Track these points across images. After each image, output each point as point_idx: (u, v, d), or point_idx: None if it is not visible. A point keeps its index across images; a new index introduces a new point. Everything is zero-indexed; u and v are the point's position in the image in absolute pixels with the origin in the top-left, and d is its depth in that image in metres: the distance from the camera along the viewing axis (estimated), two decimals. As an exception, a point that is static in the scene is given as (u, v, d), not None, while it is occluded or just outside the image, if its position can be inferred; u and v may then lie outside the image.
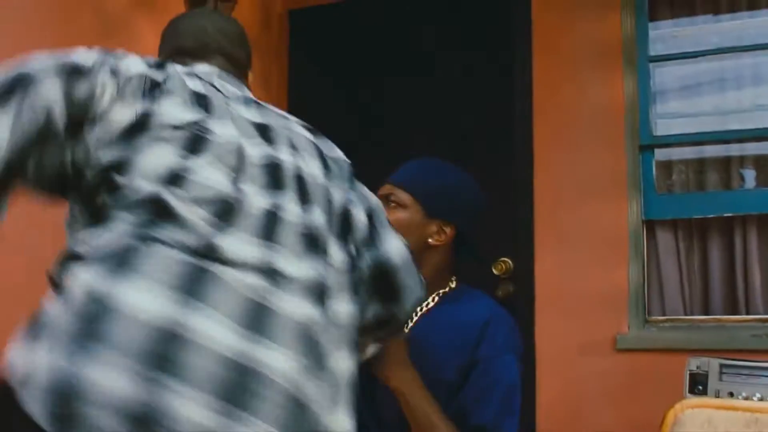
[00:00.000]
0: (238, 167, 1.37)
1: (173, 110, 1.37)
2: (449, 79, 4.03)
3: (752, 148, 3.66)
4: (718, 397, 2.85)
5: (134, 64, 1.42)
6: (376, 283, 1.59)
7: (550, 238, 3.66)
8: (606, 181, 3.60)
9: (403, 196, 2.08)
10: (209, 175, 1.33)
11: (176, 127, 1.35)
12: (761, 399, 2.79)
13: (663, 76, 3.72)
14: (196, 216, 1.28)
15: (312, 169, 1.51)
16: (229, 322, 1.21)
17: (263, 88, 4.07)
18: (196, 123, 1.38)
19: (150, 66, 1.44)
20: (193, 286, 1.22)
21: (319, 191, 1.48)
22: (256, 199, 1.36)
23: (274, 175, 1.42)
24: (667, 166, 3.75)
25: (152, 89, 1.38)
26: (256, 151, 1.43)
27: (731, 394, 2.89)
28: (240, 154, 1.39)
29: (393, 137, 4.12)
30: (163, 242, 1.25)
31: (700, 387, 3.00)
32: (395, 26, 4.18)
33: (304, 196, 1.44)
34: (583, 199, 3.62)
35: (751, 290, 3.56)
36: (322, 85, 4.27)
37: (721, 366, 3.00)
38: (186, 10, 3.44)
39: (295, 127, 1.61)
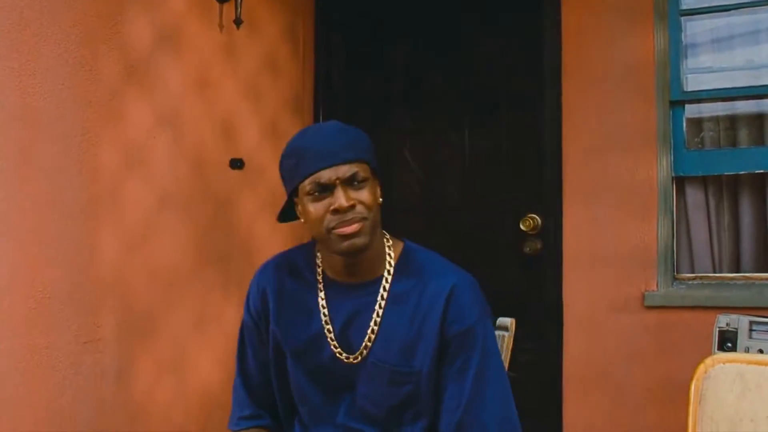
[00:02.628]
0: None
1: None
2: (477, 35, 3.99)
3: (785, 104, 3.61)
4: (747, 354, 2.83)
5: None
6: None
7: (578, 195, 3.64)
8: (636, 137, 3.56)
9: (364, 169, 1.85)
10: None
11: None
12: (792, 356, 2.77)
13: (695, 29, 3.65)
14: None
15: None
16: None
17: (290, 43, 4.04)
18: None
19: None
20: None
21: None
22: None
23: None
24: (697, 122, 3.69)
25: None
26: None
27: (761, 351, 2.87)
28: None
29: (419, 93, 4.10)
30: None
31: (729, 344, 2.98)
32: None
33: None
34: (612, 156, 3.58)
35: (782, 247, 3.53)
36: (349, 42, 4.23)
37: (751, 323, 2.98)
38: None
39: None
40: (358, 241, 1.83)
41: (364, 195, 1.82)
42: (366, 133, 1.90)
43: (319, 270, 1.99)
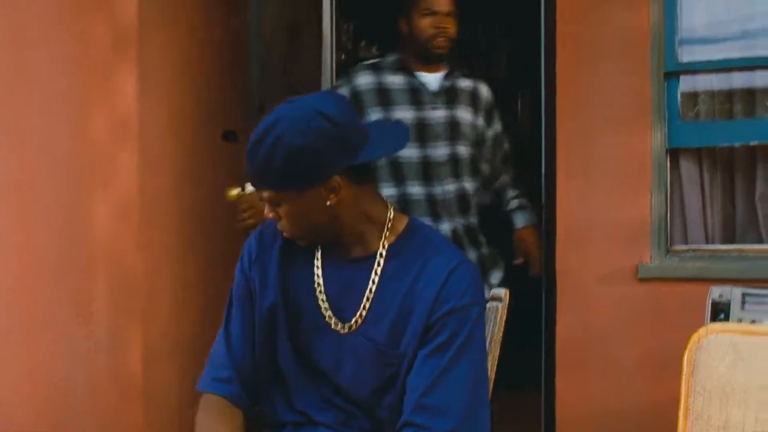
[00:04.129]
0: None
1: None
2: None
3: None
4: (740, 326, 2.84)
5: None
6: None
7: (572, 168, 3.61)
8: (630, 108, 3.53)
9: (272, 196, 1.82)
10: None
11: None
12: (785, 327, 2.77)
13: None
14: None
15: None
16: None
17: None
18: None
19: None
20: None
21: None
22: None
23: None
24: (692, 96, 3.65)
25: None
26: None
27: (753, 322, 2.87)
28: None
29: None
30: None
31: (723, 316, 2.99)
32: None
33: None
34: (606, 127, 3.56)
35: (774, 220, 3.52)
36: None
37: (744, 295, 2.98)
38: None
39: None
40: (297, 242, 1.92)
41: (282, 213, 1.84)
42: (316, 141, 1.73)
43: None
